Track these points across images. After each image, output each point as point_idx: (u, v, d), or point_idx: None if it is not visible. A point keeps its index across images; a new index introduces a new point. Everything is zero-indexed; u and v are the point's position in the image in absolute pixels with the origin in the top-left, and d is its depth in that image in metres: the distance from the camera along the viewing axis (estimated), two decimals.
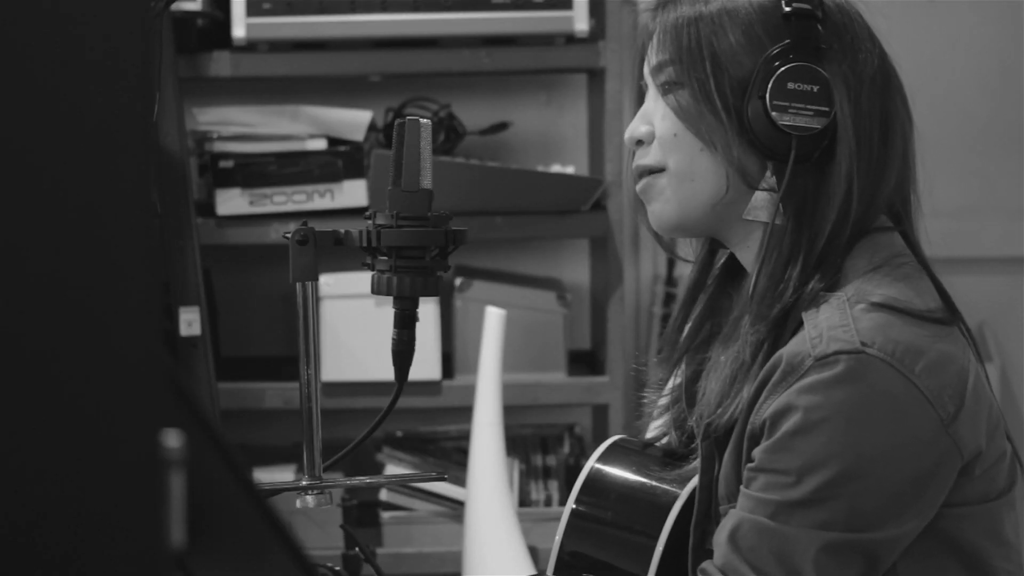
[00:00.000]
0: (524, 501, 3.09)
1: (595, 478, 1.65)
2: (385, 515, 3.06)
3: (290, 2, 2.92)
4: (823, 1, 1.51)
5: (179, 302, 2.80)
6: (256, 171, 2.99)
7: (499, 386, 2.82)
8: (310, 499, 1.51)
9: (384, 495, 3.07)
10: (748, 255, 1.56)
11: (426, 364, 2.94)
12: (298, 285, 1.51)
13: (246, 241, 2.99)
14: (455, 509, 3.01)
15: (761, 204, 1.51)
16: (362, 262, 1.55)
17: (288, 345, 3.28)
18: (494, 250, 3.35)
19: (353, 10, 2.94)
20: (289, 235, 1.51)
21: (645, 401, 1.71)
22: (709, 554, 1.50)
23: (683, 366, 1.63)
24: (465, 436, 2.94)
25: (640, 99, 1.60)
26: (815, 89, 1.48)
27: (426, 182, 1.51)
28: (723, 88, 1.49)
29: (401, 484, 3.05)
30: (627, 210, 3.27)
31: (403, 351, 1.55)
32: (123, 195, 0.76)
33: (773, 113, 1.47)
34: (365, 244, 1.51)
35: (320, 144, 3.01)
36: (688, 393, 1.61)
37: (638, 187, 1.58)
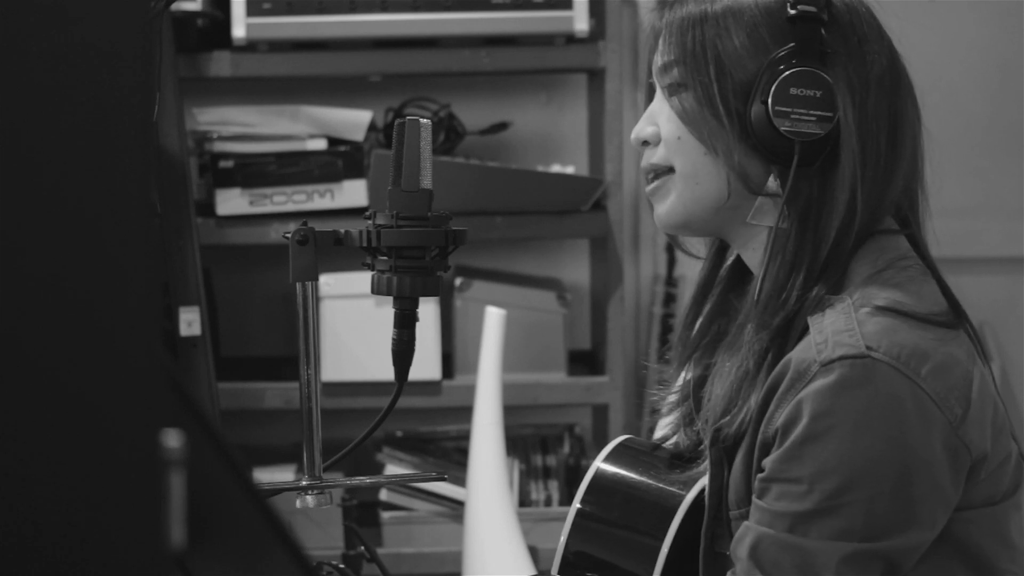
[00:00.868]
0: (524, 501, 3.09)
1: (601, 478, 1.65)
2: (385, 515, 3.06)
3: (290, 2, 2.92)
4: (830, 2, 1.50)
5: (179, 302, 2.80)
6: (256, 171, 2.99)
7: (499, 386, 2.82)
8: (310, 499, 1.51)
9: (384, 495, 3.07)
10: (753, 257, 1.56)
11: (426, 364, 2.94)
12: (298, 285, 1.51)
13: (246, 241, 2.99)
14: (455, 509, 3.01)
15: (765, 209, 1.51)
16: (362, 262, 1.55)
17: (288, 345, 3.28)
18: (494, 250, 3.35)
19: (353, 10, 2.94)
20: (289, 235, 1.51)
21: (655, 398, 1.70)
22: (719, 556, 1.50)
23: (691, 364, 1.63)
24: (465, 436, 2.94)
25: (651, 97, 1.60)
26: (818, 94, 1.47)
27: (426, 182, 1.51)
28: (726, 92, 1.49)
29: (401, 484, 3.05)
30: (627, 210, 3.27)
31: (403, 351, 1.55)
32: (123, 195, 0.76)
33: (775, 119, 1.46)
34: (365, 244, 1.51)
35: (320, 144, 3.01)
36: (695, 396, 1.61)
37: (647, 189, 1.58)
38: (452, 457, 3.15)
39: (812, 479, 1.39)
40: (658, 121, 1.56)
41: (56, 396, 0.75)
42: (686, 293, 3.30)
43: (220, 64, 2.98)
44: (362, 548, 2.47)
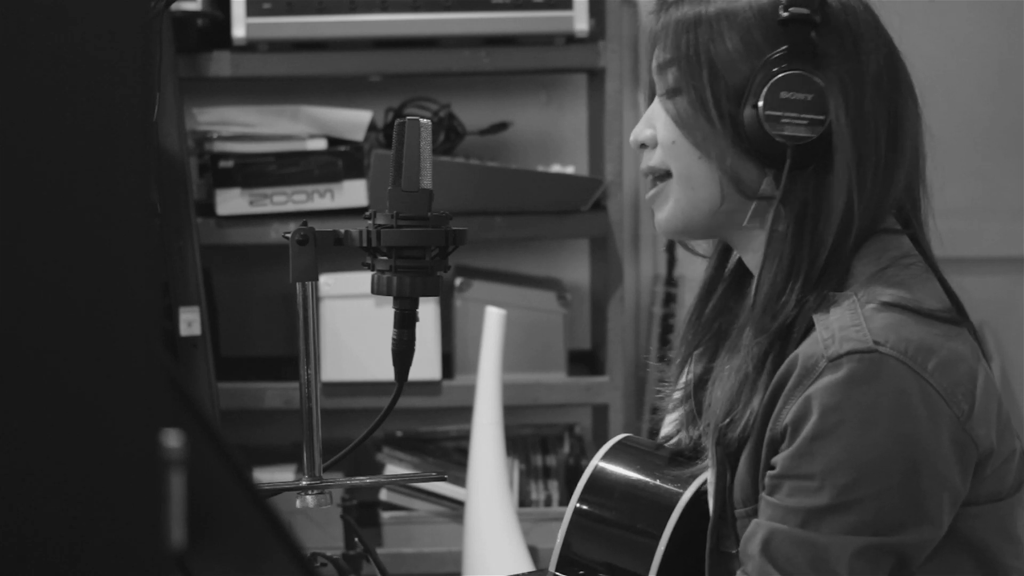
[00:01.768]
0: (524, 501, 3.09)
1: (599, 477, 1.65)
2: (385, 515, 3.06)
3: (290, 2, 2.92)
4: (824, 2, 1.49)
5: (179, 302, 2.80)
6: (256, 171, 2.99)
7: (499, 386, 2.82)
8: (310, 499, 1.51)
9: (384, 495, 3.07)
10: (753, 260, 1.55)
11: (426, 364, 2.94)
12: (298, 285, 1.51)
13: (246, 241, 2.99)
14: (455, 509, 3.01)
15: (760, 212, 1.51)
16: (362, 262, 1.55)
17: (288, 345, 3.28)
18: (494, 250, 3.35)
19: (353, 10, 2.94)
20: (289, 235, 1.51)
21: (658, 396, 1.70)
22: (725, 556, 1.50)
23: (692, 362, 1.63)
24: (465, 436, 2.94)
25: (652, 98, 1.59)
26: (809, 97, 1.46)
27: (426, 182, 1.51)
28: (719, 96, 1.48)
29: (401, 484, 3.05)
30: (627, 210, 3.27)
31: (403, 351, 1.55)
32: (123, 195, 0.76)
33: (766, 123, 1.45)
34: (365, 244, 1.51)
35: (320, 144, 3.01)
36: (696, 396, 1.61)
37: (648, 195, 1.58)
38: (452, 457, 3.15)
39: (823, 475, 1.39)
40: (655, 124, 1.56)
41: (56, 396, 0.75)
42: (686, 293, 3.30)
43: (220, 64, 2.98)
44: (358, 543, 2.47)
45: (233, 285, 3.30)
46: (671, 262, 3.39)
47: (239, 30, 2.92)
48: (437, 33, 2.97)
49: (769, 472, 1.44)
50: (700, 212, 1.53)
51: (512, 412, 2.98)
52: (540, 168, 3.13)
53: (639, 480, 1.64)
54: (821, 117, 1.46)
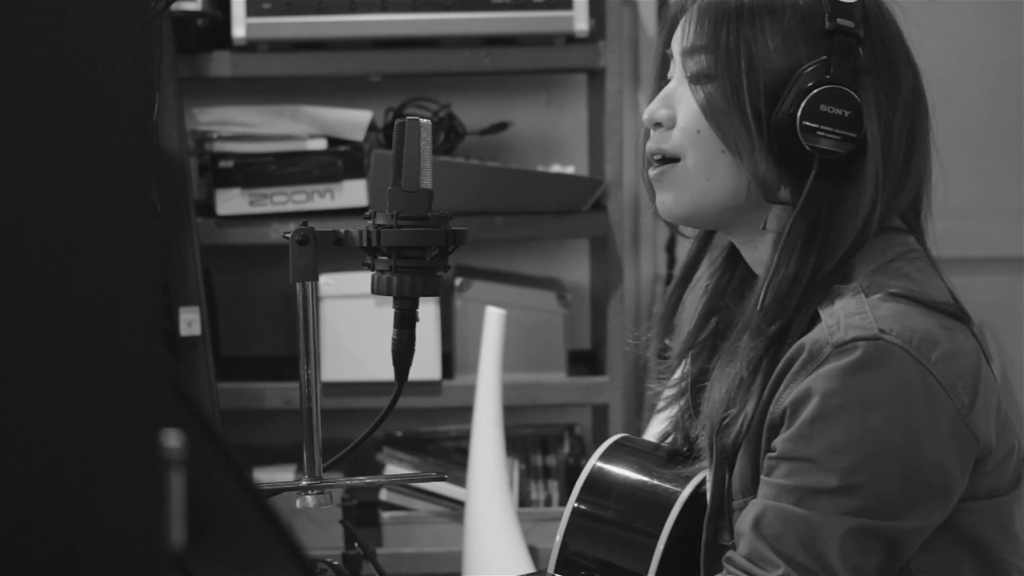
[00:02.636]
0: (524, 501, 3.10)
1: (597, 476, 1.65)
2: (385, 515, 3.06)
3: (290, 2, 2.92)
4: (867, 17, 1.48)
5: (179, 302, 2.80)
6: (256, 171, 2.99)
7: (499, 386, 2.82)
8: (310, 499, 1.51)
9: (384, 495, 3.07)
10: (753, 254, 1.55)
11: (426, 364, 2.94)
12: (298, 285, 1.51)
13: (246, 241, 2.99)
14: (455, 509, 3.02)
15: (775, 215, 1.50)
16: (362, 262, 1.55)
17: (288, 345, 3.28)
18: (494, 250, 3.35)
19: (353, 10, 2.94)
20: (289, 235, 1.51)
21: (650, 393, 1.70)
22: (722, 549, 1.50)
23: (687, 361, 1.63)
24: (465, 436, 2.94)
25: (662, 68, 1.56)
26: (847, 114, 1.45)
27: (426, 182, 1.51)
28: (756, 95, 1.46)
29: (401, 484, 3.05)
30: (627, 210, 3.27)
31: (403, 351, 1.55)
32: (123, 195, 0.76)
33: (802, 133, 1.44)
34: (365, 244, 1.51)
35: (320, 144, 3.01)
36: (694, 393, 1.60)
37: (651, 173, 1.54)
38: (452, 457, 3.15)
39: (822, 458, 1.39)
40: (675, 106, 1.52)
41: (56, 396, 0.75)
42: (686, 293, 3.29)
43: (220, 64, 2.98)
44: (356, 545, 2.47)
45: (233, 285, 3.30)
46: (671, 262, 3.38)
47: (239, 30, 2.92)
48: (437, 33, 2.97)
49: (768, 454, 1.44)
50: (712, 203, 1.51)
51: (512, 412, 2.98)
52: (540, 168, 3.13)
53: (637, 479, 1.64)
54: (854, 135, 1.46)
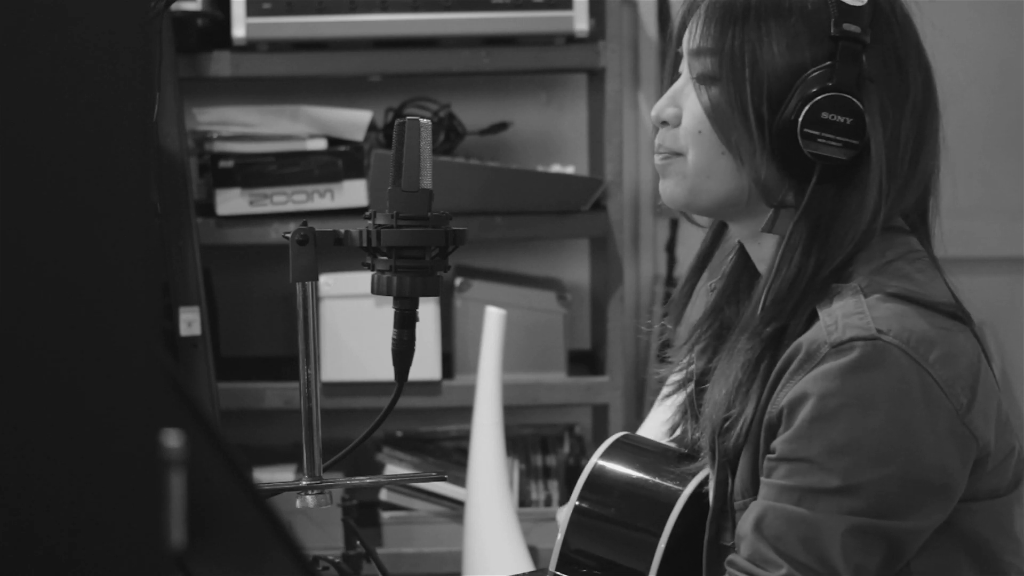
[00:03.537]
0: (524, 501, 3.10)
1: (598, 475, 1.65)
2: (385, 515, 3.06)
3: (290, 2, 2.92)
4: (875, 22, 1.47)
5: (179, 302, 2.80)
6: (256, 171, 2.99)
7: (499, 386, 2.82)
8: (310, 499, 1.51)
9: (384, 495, 3.07)
10: (757, 251, 1.55)
11: (426, 364, 2.94)
12: (298, 285, 1.51)
13: (246, 241, 2.99)
14: (455, 509, 3.02)
15: (775, 217, 1.50)
16: (362, 262, 1.55)
17: (288, 345, 3.27)
18: (494, 250, 3.35)
19: (353, 10, 2.94)
20: (289, 235, 1.51)
21: (656, 377, 1.70)
22: (724, 549, 1.50)
23: (695, 357, 1.63)
24: (465, 436, 2.94)
25: (674, 66, 1.56)
26: (848, 121, 1.45)
27: (426, 182, 1.51)
28: (759, 99, 1.46)
29: (401, 484, 3.05)
30: (627, 210, 3.27)
31: (403, 351, 1.55)
32: (123, 195, 0.76)
33: (802, 140, 1.44)
34: (365, 244, 1.51)
35: (320, 144, 3.01)
36: (697, 392, 1.60)
37: (657, 161, 1.55)
38: (452, 457, 3.15)
39: (822, 458, 1.39)
40: (681, 104, 1.53)
41: (56, 396, 0.75)
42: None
43: (220, 64, 2.98)
44: (358, 544, 2.47)
45: (233, 285, 3.30)
46: (671, 262, 3.39)
47: (239, 30, 2.92)
48: (437, 33, 2.97)
49: (768, 455, 1.44)
50: (710, 199, 1.52)
51: (512, 412, 2.98)
52: (540, 168, 3.13)
53: (638, 478, 1.64)
54: (856, 142, 1.45)
